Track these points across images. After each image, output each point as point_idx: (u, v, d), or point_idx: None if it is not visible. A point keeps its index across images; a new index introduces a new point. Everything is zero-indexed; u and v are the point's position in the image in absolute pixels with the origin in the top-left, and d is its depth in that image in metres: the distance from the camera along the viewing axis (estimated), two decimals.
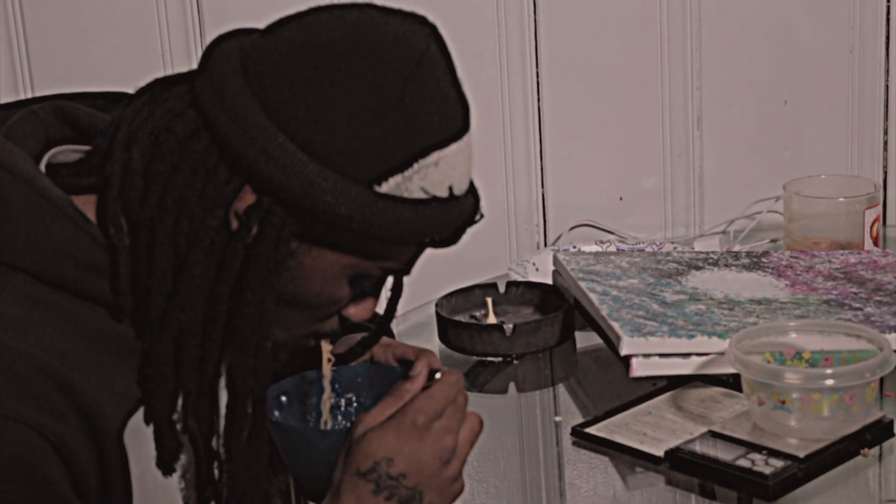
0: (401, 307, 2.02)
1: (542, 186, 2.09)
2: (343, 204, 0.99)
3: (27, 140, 1.07)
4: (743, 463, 1.25)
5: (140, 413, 1.04)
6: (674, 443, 1.31)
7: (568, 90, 2.05)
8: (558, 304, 1.68)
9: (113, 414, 1.01)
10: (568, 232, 2.10)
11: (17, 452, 0.94)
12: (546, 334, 1.62)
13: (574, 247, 1.93)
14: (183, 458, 1.09)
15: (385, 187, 1.00)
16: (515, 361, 1.63)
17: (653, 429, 1.37)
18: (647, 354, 1.41)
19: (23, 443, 0.94)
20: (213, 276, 1.01)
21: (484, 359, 1.64)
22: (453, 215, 1.05)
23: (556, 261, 1.71)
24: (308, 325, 1.10)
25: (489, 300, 1.72)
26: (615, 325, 1.44)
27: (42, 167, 1.07)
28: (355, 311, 1.11)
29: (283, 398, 1.21)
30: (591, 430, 1.38)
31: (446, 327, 1.66)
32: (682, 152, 2.11)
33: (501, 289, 1.76)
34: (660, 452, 1.31)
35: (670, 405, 1.42)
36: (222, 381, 1.08)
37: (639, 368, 1.41)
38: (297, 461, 1.14)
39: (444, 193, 1.03)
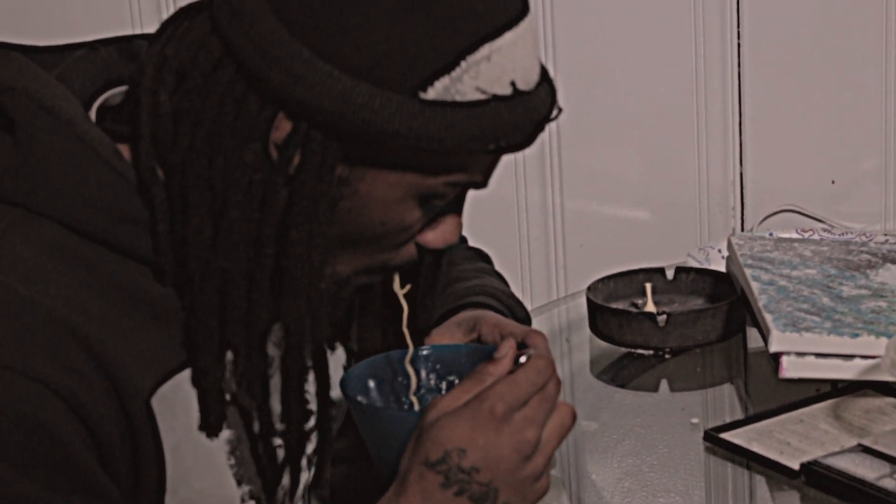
0: (569, 289, 2.02)
1: (741, 164, 2.02)
2: (385, 118, 0.96)
3: (80, 80, 1.08)
4: (887, 483, 1.17)
5: (173, 381, 1.04)
6: (817, 456, 1.24)
7: (772, 54, 1.98)
8: (729, 295, 1.62)
9: (140, 378, 1.01)
10: (766, 218, 2.02)
11: (24, 409, 0.94)
12: (706, 327, 1.56)
13: (770, 234, 1.86)
14: (231, 434, 1.09)
15: (432, 93, 0.97)
16: (667, 356, 1.58)
17: (799, 439, 1.30)
18: (800, 353, 1.35)
19: (31, 399, 0.95)
20: (255, 217, 1.00)
21: (633, 351, 1.60)
22: (520, 113, 1.00)
23: (729, 245, 1.65)
24: (374, 256, 1.07)
25: (649, 286, 1.67)
26: (768, 318, 1.38)
27: (93, 109, 1.08)
28: (433, 237, 1.07)
29: (371, 382, 1.19)
30: (727, 435, 1.32)
31: (595, 313, 1.62)
32: None
33: (670, 275, 1.71)
34: (796, 465, 1.24)
35: (828, 414, 1.35)
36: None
37: (790, 369, 1.35)
38: (375, 444, 1.13)
39: (505, 90, 0.99)
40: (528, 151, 1.99)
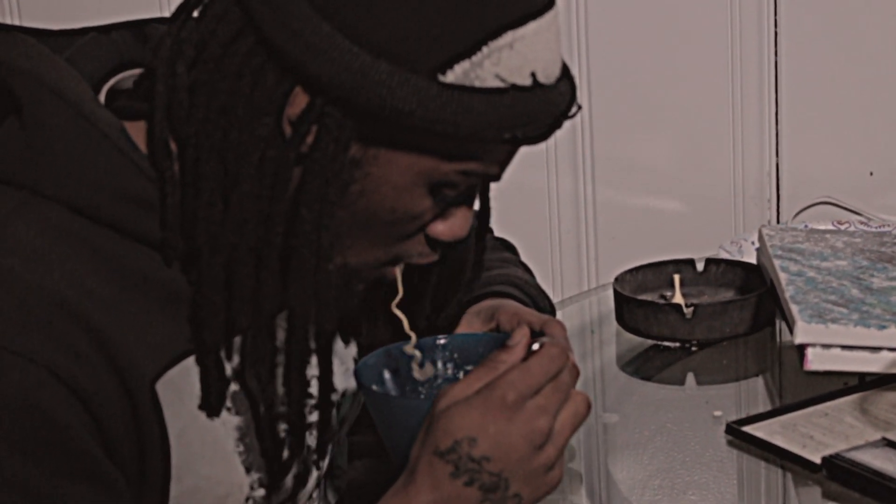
0: (600, 282, 2.01)
1: (777, 155, 2.00)
2: (401, 97, 0.96)
3: (90, 63, 1.08)
4: None
5: (181, 366, 1.04)
6: (840, 449, 1.23)
7: (810, 42, 1.96)
8: (760, 287, 1.60)
9: (145, 363, 1.01)
10: (802, 210, 2.00)
11: (23, 392, 0.94)
12: (733, 319, 1.55)
13: (805, 226, 1.84)
14: (240, 420, 1.09)
15: (451, 76, 0.97)
16: (694, 349, 1.57)
17: (823, 432, 1.29)
18: (826, 345, 1.33)
19: (30, 382, 0.95)
20: (266, 193, 1.00)
21: (660, 343, 1.58)
22: (538, 106, 1.00)
23: (760, 236, 1.64)
24: (385, 246, 1.07)
25: (677, 278, 1.65)
26: (794, 309, 1.36)
27: (103, 91, 1.09)
28: (443, 228, 1.07)
29: (387, 371, 1.19)
30: (749, 428, 1.31)
31: (621, 305, 1.61)
32: None
33: (700, 267, 1.70)
34: (818, 459, 1.23)
35: (854, 407, 1.33)
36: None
37: (815, 361, 1.33)
38: (388, 434, 1.13)
39: (525, 81, 0.99)
40: (559, 141, 1.99)
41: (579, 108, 1.05)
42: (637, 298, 1.59)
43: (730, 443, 1.32)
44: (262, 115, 0.99)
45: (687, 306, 1.55)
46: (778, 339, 1.60)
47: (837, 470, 1.20)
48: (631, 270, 1.68)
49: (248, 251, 1.02)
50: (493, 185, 1.14)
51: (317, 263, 1.02)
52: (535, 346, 1.05)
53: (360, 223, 1.04)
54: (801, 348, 1.34)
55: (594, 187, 2.00)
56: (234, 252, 1.02)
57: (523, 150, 1.05)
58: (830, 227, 1.84)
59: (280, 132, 1.00)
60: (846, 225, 1.86)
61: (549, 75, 1.01)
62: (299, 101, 0.99)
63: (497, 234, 1.51)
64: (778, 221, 2.02)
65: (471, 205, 1.09)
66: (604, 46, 1.97)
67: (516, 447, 1.00)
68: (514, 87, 0.99)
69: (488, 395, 1.01)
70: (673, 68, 1.97)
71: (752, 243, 1.81)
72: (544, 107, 1.01)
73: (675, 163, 2.01)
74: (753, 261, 1.73)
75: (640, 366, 1.57)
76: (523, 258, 1.49)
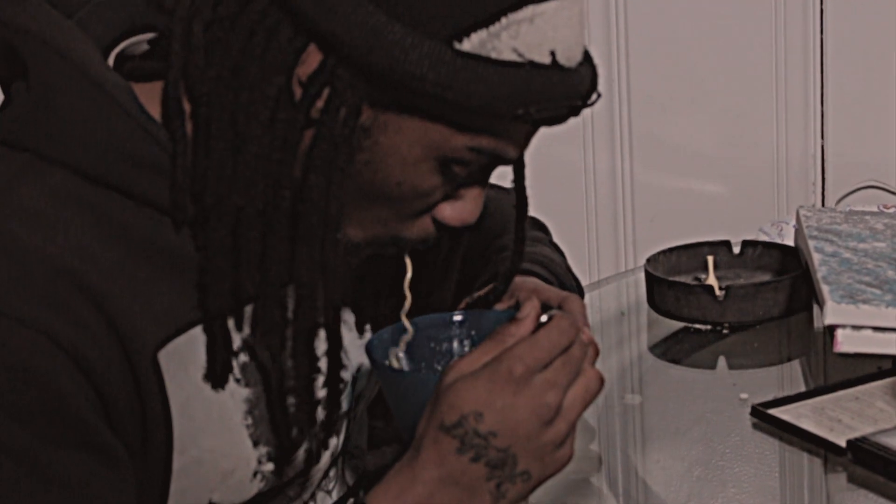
0: (637, 262, 1.99)
1: (823, 137, 1.98)
2: (414, 60, 0.96)
3: (100, 25, 1.08)
4: None
5: (187, 335, 1.03)
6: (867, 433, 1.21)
7: (856, 20, 1.93)
8: (796, 270, 1.58)
9: (149, 332, 1.01)
10: (848, 195, 1.98)
11: (21, 359, 0.94)
12: (767, 302, 1.53)
13: (848, 208, 1.81)
14: (250, 392, 1.08)
15: (467, 44, 0.96)
16: (726, 332, 1.55)
17: (852, 416, 1.27)
18: (856, 326, 1.31)
19: (28, 348, 0.94)
20: (275, 155, 1.00)
21: (691, 326, 1.56)
22: (554, 86, 0.99)
23: (797, 217, 1.61)
24: (390, 223, 1.06)
25: (710, 259, 1.64)
26: (825, 289, 1.34)
27: (113, 54, 1.09)
28: (451, 212, 1.06)
29: (401, 353, 1.18)
30: (775, 411, 1.29)
31: (652, 286, 1.59)
32: None
33: (736, 250, 1.68)
34: (843, 442, 1.21)
35: (886, 392, 1.31)
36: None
37: (845, 342, 1.32)
38: (399, 409, 1.12)
39: (543, 59, 0.98)
40: (595, 116, 1.97)
41: (599, 96, 1.04)
42: (668, 279, 1.57)
43: (755, 425, 1.30)
44: (273, 75, 0.99)
45: (720, 288, 1.53)
46: (816, 324, 1.57)
47: (862, 453, 1.19)
48: (664, 252, 1.66)
49: (256, 215, 1.01)
50: (526, 162, 1.12)
51: (324, 233, 1.02)
52: (544, 318, 1.04)
53: (366, 195, 1.03)
54: (831, 329, 1.32)
55: (632, 166, 1.98)
56: (241, 215, 1.01)
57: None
58: (874, 209, 1.81)
59: (290, 93, 0.99)
60: (893, 209, 1.82)
61: (569, 57, 1.01)
62: (311, 61, 0.99)
63: (529, 212, 1.49)
64: (823, 205, 1.99)
65: (482, 188, 1.08)
66: (644, 21, 1.95)
67: (524, 422, 0.99)
68: (531, 63, 0.98)
69: (495, 369, 0.99)
70: (715, 44, 1.94)
71: (794, 226, 1.79)
72: (561, 88, 1.00)
73: (717, 143, 1.98)
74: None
75: (670, 348, 1.55)
76: (557, 238, 1.48)
